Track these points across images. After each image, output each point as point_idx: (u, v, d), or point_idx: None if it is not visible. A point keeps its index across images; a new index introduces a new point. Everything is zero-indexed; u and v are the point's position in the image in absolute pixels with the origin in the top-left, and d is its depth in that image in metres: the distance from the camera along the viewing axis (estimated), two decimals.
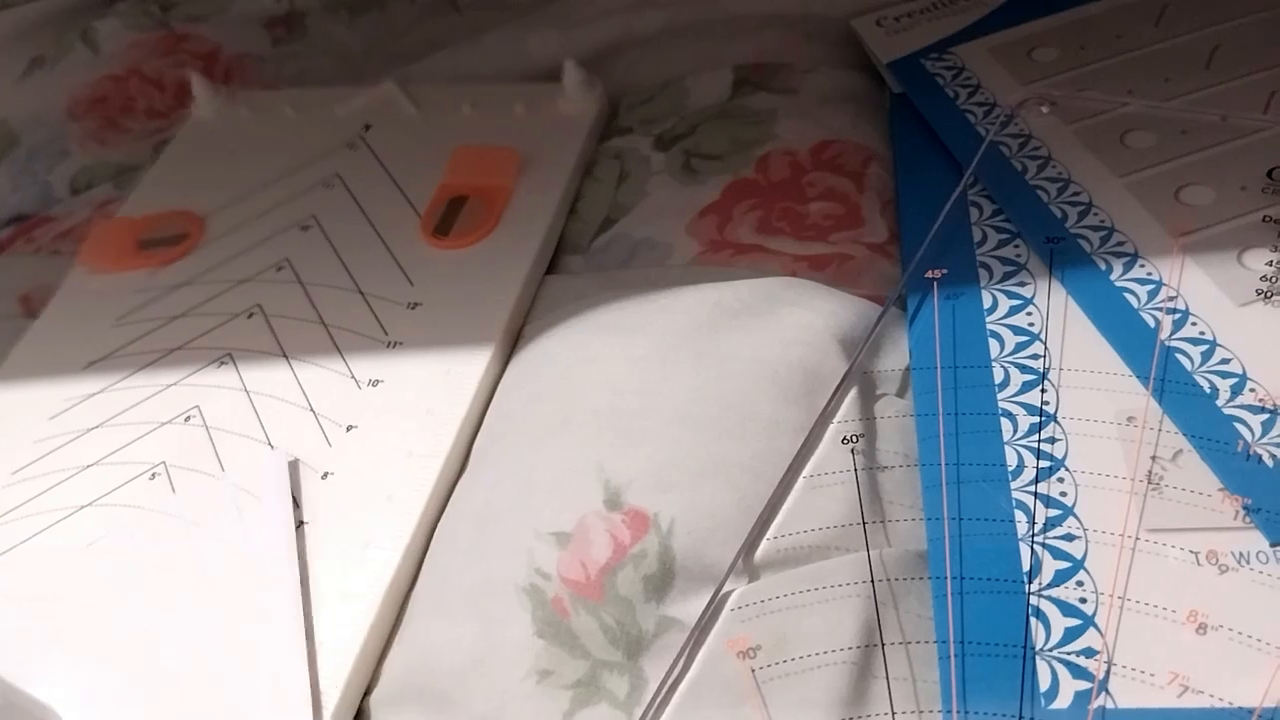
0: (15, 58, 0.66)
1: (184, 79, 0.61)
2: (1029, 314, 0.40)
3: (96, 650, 0.38)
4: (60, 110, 0.63)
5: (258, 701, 0.36)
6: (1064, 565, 0.33)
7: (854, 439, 0.38)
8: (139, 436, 0.45)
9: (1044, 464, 0.36)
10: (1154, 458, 0.35)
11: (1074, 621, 0.32)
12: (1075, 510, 0.34)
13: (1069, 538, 0.34)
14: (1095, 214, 0.43)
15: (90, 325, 0.50)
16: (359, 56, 0.64)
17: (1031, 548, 0.34)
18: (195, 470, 0.43)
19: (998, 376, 0.38)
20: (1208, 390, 0.36)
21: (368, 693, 0.37)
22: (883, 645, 0.33)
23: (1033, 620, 0.32)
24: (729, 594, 0.35)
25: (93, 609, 0.40)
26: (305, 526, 0.40)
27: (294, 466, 0.42)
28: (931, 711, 0.32)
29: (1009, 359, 0.39)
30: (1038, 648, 0.32)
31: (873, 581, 0.34)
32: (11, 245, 0.58)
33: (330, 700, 0.36)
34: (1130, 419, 0.36)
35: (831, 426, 0.38)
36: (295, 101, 0.60)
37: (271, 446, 0.43)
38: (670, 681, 0.33)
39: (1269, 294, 0.38)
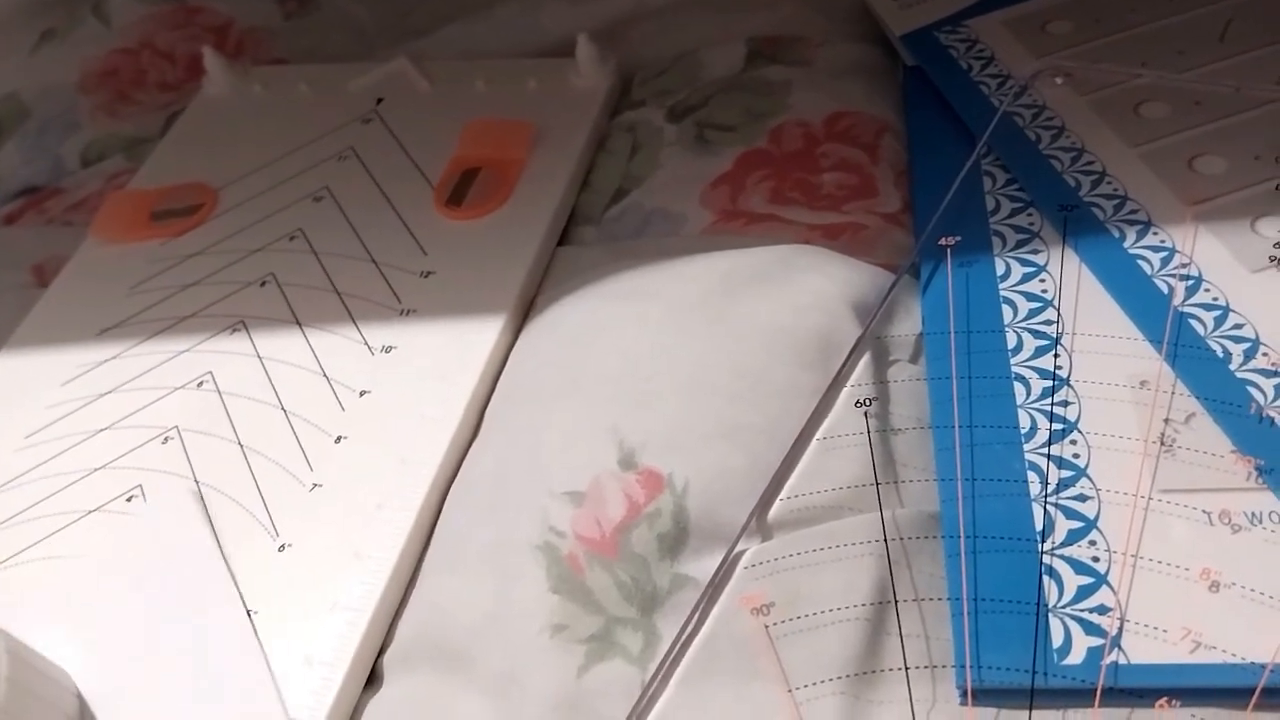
0: (27, 31, 0.66)
1: (196, 52, 0.61)
2: (1042, 281, 0.40)
3: (105, 613, 0.39)
4: (71, 83, 0.63)
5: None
6: (1077, 525, 0.33)
7: (867, 402, 0.38)
8: (152, 401, 0.45)
9: (1057, 426, 0.36)
10: (1166, 420, 0.35)
11: (1087, 579, 0.32)
12: (1088, 471, 0.35)
13: (1082, 498, 0.34)
14: (1109, 183, 0.43)
15: (103, 294, 0.51)
16: (370, 30, 0.64)
17: (1044, 508, 0.34)
18: (209, 434, 0.43)
19: (1010, 342, 0.38)
20: (1220, 355, 0.36)
21: (380, 653, 0.37)
22: (896, 602, 0.33)
23: (1046, 578, 0.32)
24: (743, 552, 0.35)
25: (102, 572, 0.40)
26: (318, 489, 0.41)
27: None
28: (944, 666, 0.32)
29: (1022, 324, 0.39)
30: (1051, 605, 0.32)
31: (886, 540, 0.34)
32: (23, 216, 0.58)
33: (344, 660, 0.36)
34: (1143, 383, 0.36)
35: (845, 390, 0.38)
36: (308, 77, 0.60)
37: (284, 411, 0.43)
38: (684, 637, 0.33)
39: None
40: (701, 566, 0.35)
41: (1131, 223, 0.41)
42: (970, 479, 0.35)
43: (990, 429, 0.36)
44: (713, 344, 0.40)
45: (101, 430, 0.45)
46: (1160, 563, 0.32)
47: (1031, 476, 0.35)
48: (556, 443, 0.39)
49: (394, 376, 0.44)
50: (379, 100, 0.58)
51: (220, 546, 0.40)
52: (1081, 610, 0.32)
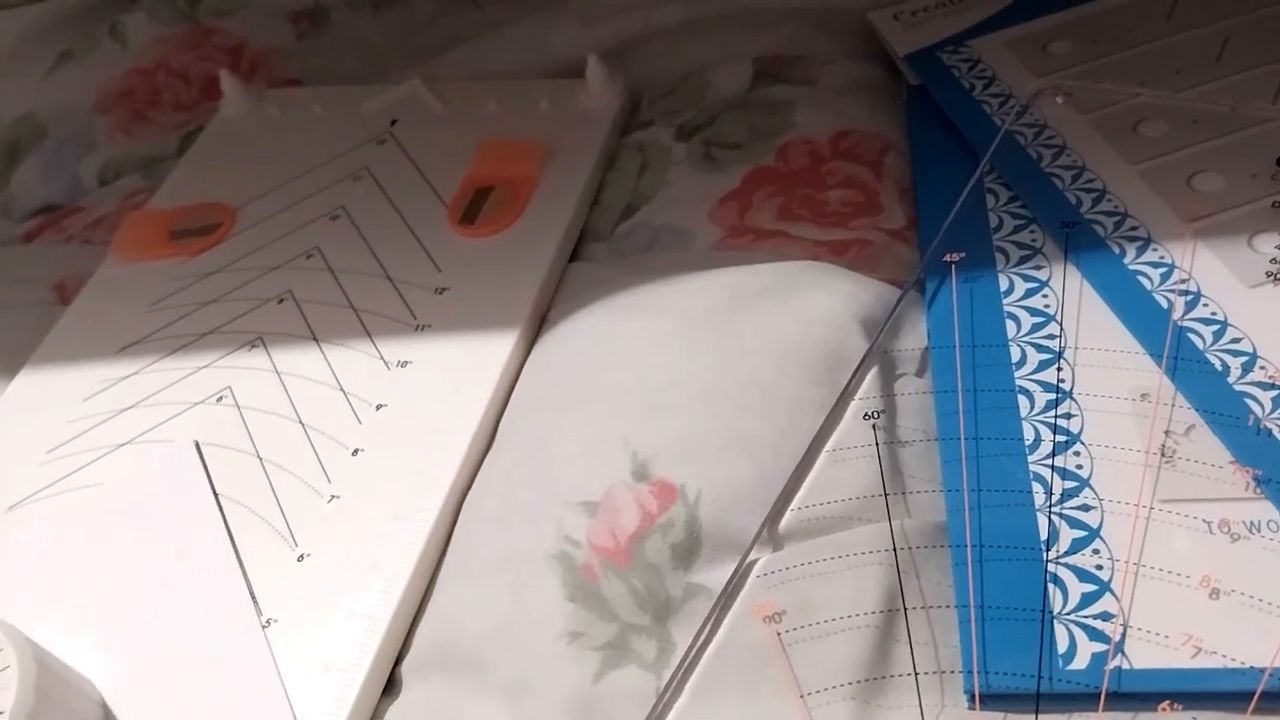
0: (44, 52, 0.68)
1: (210, 73, 0.63)
2: (1045, 296, 0.41)
3: (128, 624, 0.39)
4: (88, 103, 0.64)
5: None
6: (1080, 534, 0.34)
7: (875, 415, 0.39)
8: (172, 416, 0.46)
9: (1060, 438, 0.37)
10: (1167, 432, 0.36)
11: (1090, 587, 0.33)
12: (1091, 482, 0.35)
13: (1085, 508, 0.35)
14: (1109, 200, 0.44)
15: (123, 311, 0.51)
16: (382, 50, 0.65)
17: (1049, 517, 0.35)
18: (228, 448, 0.44)
19: (1015, 355, 0.39)
20: (1219, 368, 0.37)
21: (398, 661, 0.38)
22: (905, 610, 0.34)
23: (1050, 586, 0.33)
24: (754, 561, 0.36)
25: (125, 584, 0.41)
26: (336, 501, 0.41)
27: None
28: (952, 672, 0.33)
29: (1026, 339, 0.40)
30: (1056, 612, 0.33)
31: (894, 550, 0.35)
32: (41, 234, 0.59)
33: (361, 667, 0.37)
34: (1144, 395, 0.37)
35: (853, 403, 0.39)
36: (322, 99, 0.61)
37: (302, 424, 0.44)
38: (698, 644, 0.34)
39: (1278, 276, 0.39)
40: (714, 576, 0.36)
41: (1131, 239, 0.42)
42: (976, 490, 0.36)
43: (995, 441, 0.37)
44: (722, 358, 0.41)
45: (123, 444, 0.45)
46: (1162, 570, 0.33)
47: (1036, 487, 0.36)
48: (570, 454, 0.40)
49: (410, 390, 0.45)
50: (393, 121, 0.59)
51: (239, 557, 0.40)
52: (1085, 617, 0.32)
